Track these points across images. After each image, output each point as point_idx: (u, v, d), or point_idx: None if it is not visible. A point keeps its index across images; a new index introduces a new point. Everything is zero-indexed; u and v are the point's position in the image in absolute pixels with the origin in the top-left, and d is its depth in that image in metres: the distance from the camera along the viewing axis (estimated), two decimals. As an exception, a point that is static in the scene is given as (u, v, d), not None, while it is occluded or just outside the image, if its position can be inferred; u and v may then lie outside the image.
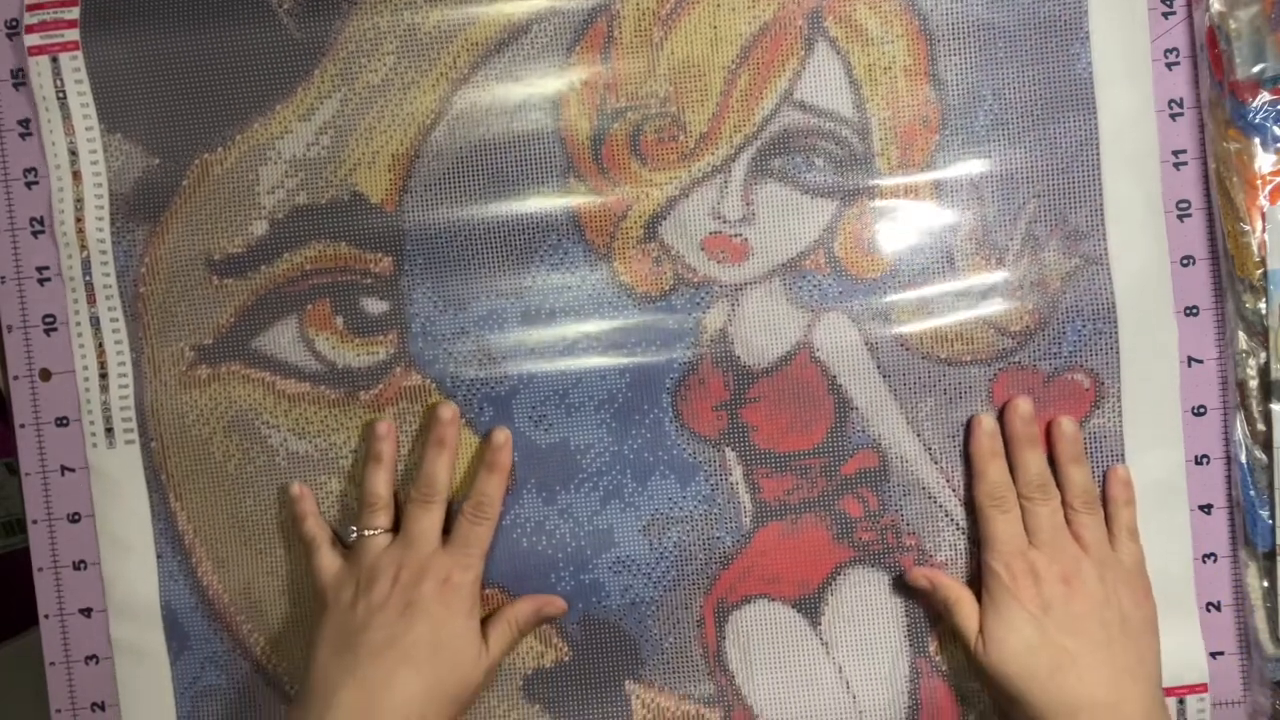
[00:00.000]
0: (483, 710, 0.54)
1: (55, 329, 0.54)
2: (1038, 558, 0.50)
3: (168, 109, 0.53)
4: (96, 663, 0.54)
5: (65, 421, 0.54)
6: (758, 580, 0.53)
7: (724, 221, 0.53)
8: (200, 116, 0.53)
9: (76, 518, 0.54)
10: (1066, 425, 0.51)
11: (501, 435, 0.52)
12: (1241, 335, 0.51)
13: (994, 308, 0.52)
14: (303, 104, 0.53)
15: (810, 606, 0.53)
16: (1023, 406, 0.51)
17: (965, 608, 0.50)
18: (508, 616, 0.52)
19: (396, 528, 0.52)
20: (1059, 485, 0.51)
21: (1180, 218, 0.52)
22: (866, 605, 0.53)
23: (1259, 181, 0.50)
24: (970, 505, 0.52)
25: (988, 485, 0.51)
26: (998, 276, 0.52)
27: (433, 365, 0.53)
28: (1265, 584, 0.52)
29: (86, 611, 0.54)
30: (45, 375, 0.54)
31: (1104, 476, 0.52)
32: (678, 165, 0.53)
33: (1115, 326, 0.52)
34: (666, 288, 0.53)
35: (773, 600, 0.53)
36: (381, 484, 0.52)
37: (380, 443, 0.52)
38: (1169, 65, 0.52)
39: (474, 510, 0.52)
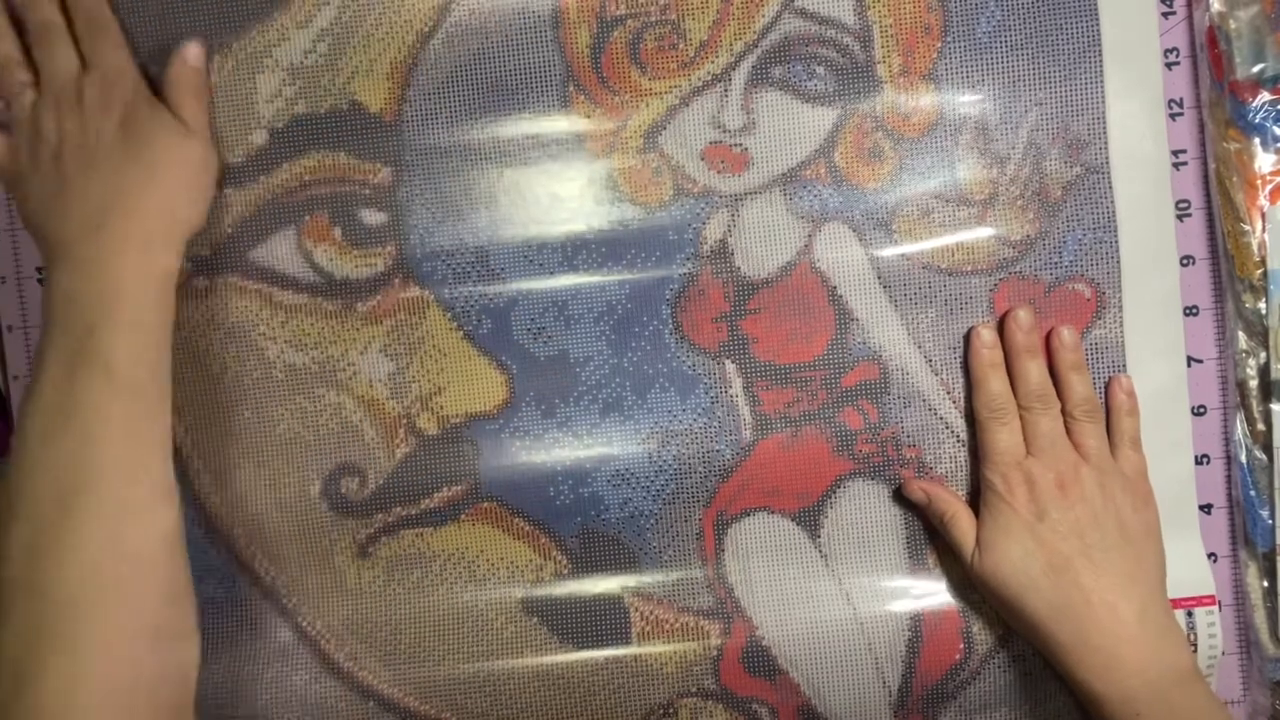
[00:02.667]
0: (479, 622, 0.53)
1: None
2: (1034, 466, 0.49)
3: (164, 16, 0.53)
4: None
5: None
6: (757, 493, 0.53)
7: (724, 131, 0.53)
8: (197, 23, 0.53)
9: None
10: (1066, 334, 0.51)
11: None
12: (1241, 335, 0.51)
13: (995, 217, 0.52)
14: (300, 10, 0.52)
15: (810, 519, 0.53)
16: (1023, 316, 0.51)
17: (962, 522, 0.50)
18: (171, 88, 0.50)
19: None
20: (1059, 394, 0.51)
21: (1180, 218, 0.52)
22: (866, 518, 0.53)
23: (1259, 181, 0.50)
24: (971, 417, 0.52)
25: (986, 396, 0.51)
26: (999, 185, 0.52)
27: (431, 277, 0.53)
28: (1265, 584, 0.52)
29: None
30: None
31: (1106, 386, 0.52)
32: (677, 74, 0.53)
33: (1116, 236, 0.52)
34: (666, 198, 0.53)
35: (772, 513, 0.53)
36: (5, 45, 0.50)
37: None
38: (1169, 65, 0.52)
39: (85, 26, 0.50)
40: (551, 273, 0.53)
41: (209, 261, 0.53)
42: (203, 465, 0.54)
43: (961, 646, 0.52)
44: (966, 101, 0.52)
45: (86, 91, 0.49)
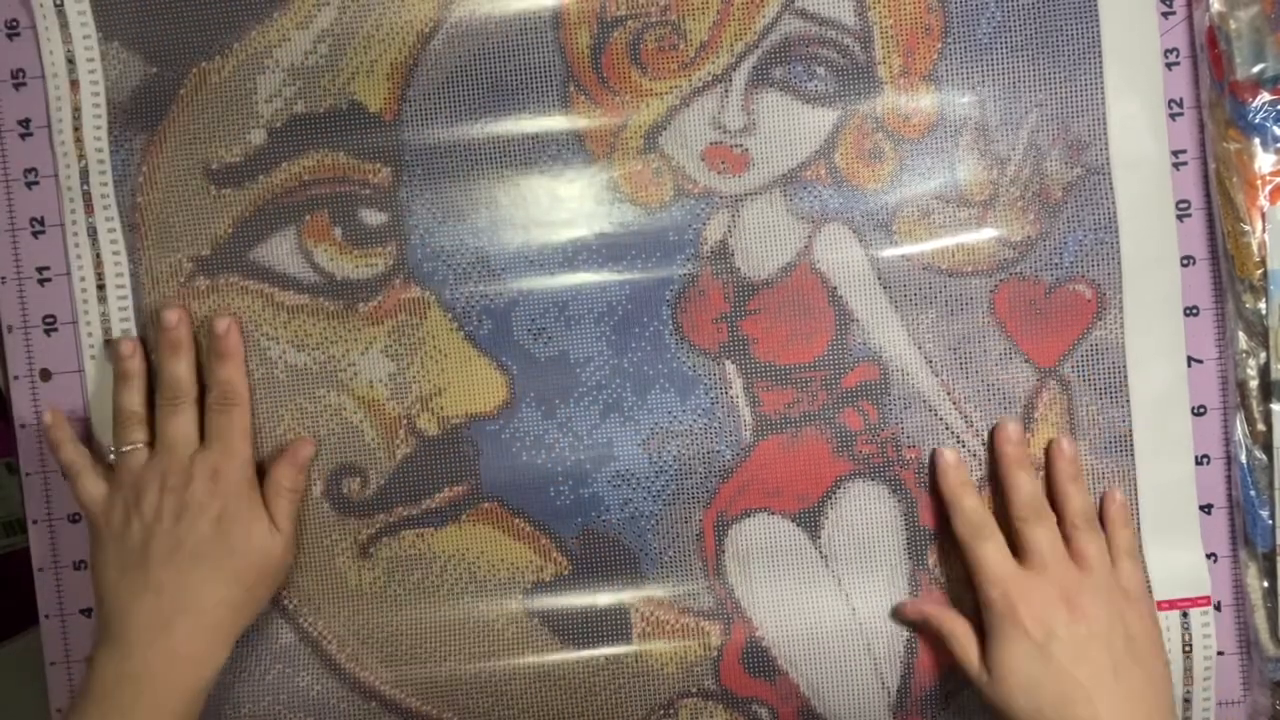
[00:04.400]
0: (480, 623, 0.53)
1: (55, 329, 0.54)
2: (1035, 582, 0.48)
3: (165, 16, 0.53)
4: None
5: None
6: (757, 494, 0.53)
7: (724, 131, 0.53)
8: (198, 24, 0.52)
9: (77, 518, 0.54)
10: (1066, 445, 0.51)
11: (223, 323, 0.52)
12: (1241, 335, 0.51)
13: (995, 218, 0.52)
14: (300, 11, 0.52)
15: (810, 520, 0.53)
16: (1011, 428, 0.51)
17: (962, 639, 0.49)
18: (274, 488, 0.51)
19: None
20: (1056, 506, 0.50)
21: (1180, 218, 0.52)
22: (866, 518, 0.53)
23: (1259, 181, 0.50)
24: (970, 418, 0.52)
25: (964, 515, 0.50)
26: (999, 186, 0.52)
27: (432, 277, 0.53)
28: (1265, 584, 0.52)
29: (87, 611, 0.54)
30: (45, 375, 0.54)
31: (1100, 499, 0.52)
32: (678, 74, 0.52)
33: (1117, 236, 0.52)
34: (666, 199, 0.53)
35: (772, 514, 0.53)
36: (132, 400, 0.52)
37: (126, 361, 0.52)
38: (1169, 65, 0.52)
39: (219, 400, 0.51)
40: (552, 273, 0.53)
41: (209, 261, 0.53)
42: (203, 466, 0.54)
43: (961, 647, 0.52)
44: (967, 102, 0.52)
45: (196, 474, 0.49)
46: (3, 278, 0.54)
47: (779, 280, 0.53)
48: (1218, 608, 0.53)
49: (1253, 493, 0.51)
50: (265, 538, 0.50)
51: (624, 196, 0.53)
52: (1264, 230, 0.50)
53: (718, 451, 0.53)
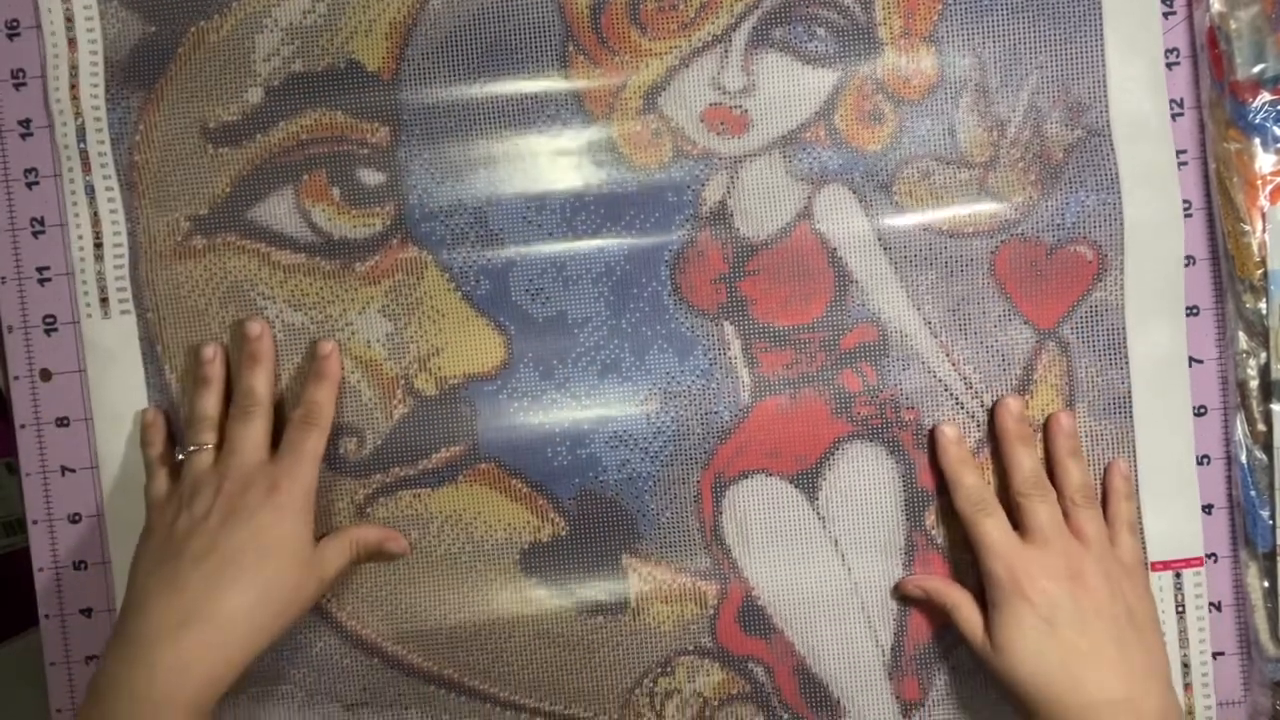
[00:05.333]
0: (478, 583, 0.53)
1: (55, 329, 0.54)
2: (1038, 556, 0.48)
3: (163, -26, 0.52)
4: (97, 663, 0.54)
5: (65, 421, 0.54)
6: (755, 455, 0.53)
7: (724, 92, 0.52)
8: (195, -19, 0.52)
9: (76, 518, 0.54)
10: (1065, 420, 0.51)
11: (327, 345, 0.52)
12: (1242, 335, 0.51)
13: (996, 179, 0.52)
14: (299, -33, 0.52)
15: (808, 481, 0.53)
16: (1013, 404, 0.51)
17: (966, 610, 0.50)
18: (351, 535, 0.51)
19: None
20: (1055, 481, 0.51)
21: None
22: (864, 480, 0.53)
23: (1259, 181, 0.50)
24: (969, 380, 0.52)
25: (965, 492, 0.51)
26: (1000, 148, 0.52)
27: (429, 238, 0.53)
28: (1265, 584, 0.52)
29: (87, 611, 0.54)
30: (45, 375, 0.54)
31: (1105, 470, 0.52)
32: (677, 34, 0.52)
33: (1118, 198, 0.52)
34: (665, 160, 0.53)
35: (770, 475, 0.53)
36: (209, 404, 0.51)
37: (207, 366, 0.52)
38: (1169, 65, 0.52)
39: (303, 418, 0.51)
40: (550, 234, 0.53)
41: (206, 220, 0.53)
42: (201, 425, 0.54)
43: (957, 608, 0.52)
44: (967, 64, 0.52)
45: (255, 482, 0.48)
46: (3, 278, 0.54)
47: (778, 241, 0.53)
48: (1218, 609, 0.53)
49: (1253, 493, 0.51)
50: (304, 568, 0.48)
51: (623, 157, 0.53)
52: (1264, 230, 0.50)
53: (716, 413, 0.53)
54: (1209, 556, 0.53)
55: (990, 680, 0.49)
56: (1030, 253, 0.52)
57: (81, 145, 0.53)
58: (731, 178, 0.52)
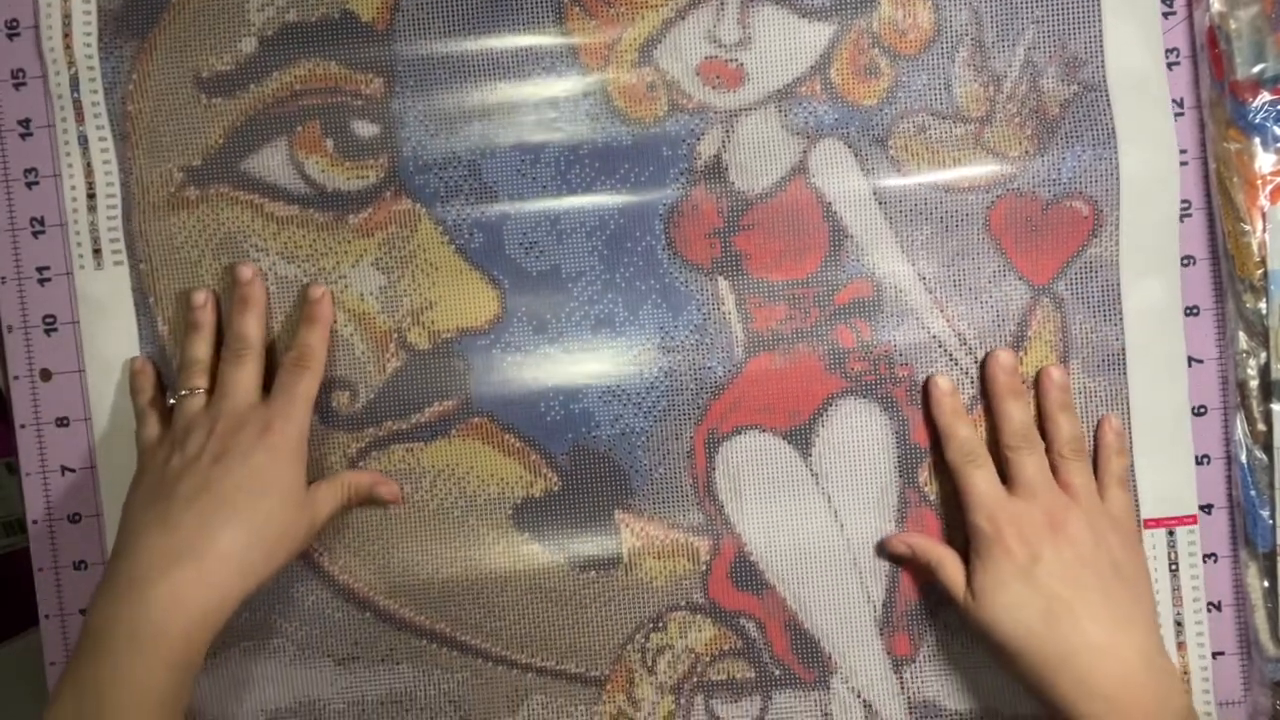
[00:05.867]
0: (470, 538, 0.53)
1: (55, 329, 0.54)
2: (1023, 507, 0.48)
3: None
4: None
5: (65, 421, 0.54)
6: (749, 410, 0.53)
7: (720, 45, 0.52)
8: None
9: (76, 518, 0.54)
10: (1056, 373, 0.51)
11: (318, 289, 0.52)
12: (1242, 335, 0.51)
13: (992, 134, 0.52)
14: (293, -84, 0.52)
15: (801, 437, 0.53)
16: (1004, 357, 0.51)
17: (949, 566, 0.50)
18: (343, 479, 0.51)
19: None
20: (1045, 434, 0.51)
21: (1180, 218, 0.52)
22: (857, 436, 0.53)
23: (1259, 181, 0.50)
24: (964, 336, 0.52)
25: (957, 443, 0.51)
26: (996, 103, 0.52)
27: (423, 190, 0.53)
28: (1265, 584, 0.52)
29: (86, 612, 0.54)
30: (45, 375, 0.54)
31: (1096, 425, 0.52)
32: (674, -14, 0.52)
33: (1115, 153, 0.51)
34: (660, 113, 0.52)
35: (764, 431, 0.53)
36: (200, 349, 0.51)
37: (198, 311, 0.52)
38: (1169, 65, 0.51)
39: (295, 361, 0.51)
40: (544, 187, 0.53)
41: (200, 171, 0.53)
42: (193, 377, 0.54)
43: (950, 564, 0.52)
44: (964, 18, 0.52)
45: (248, 422, 0.48)
46: (3, 278, 0.54)
47: (773, 196, 0.52)
48: (1218, 608, 0.53)
49: (1253, 493, 0.51)
50: (296, 509, 0.48)
51: (618, 111, 0.53)
52: (1264, 230, 0.50)
53: (709, 368, 0.53)
54: (1203, 508, 0.52)
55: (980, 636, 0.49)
56: (1026, 208, 0.52)
57: (75, 95, 0.53)
58: (727, 132, 0.52)
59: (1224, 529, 0.53)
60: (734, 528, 0.53)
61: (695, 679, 0.53)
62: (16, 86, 0.53)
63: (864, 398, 0.53)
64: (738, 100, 0.52)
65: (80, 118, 0.53)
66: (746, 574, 0.53)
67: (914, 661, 0.52)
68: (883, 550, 0.52)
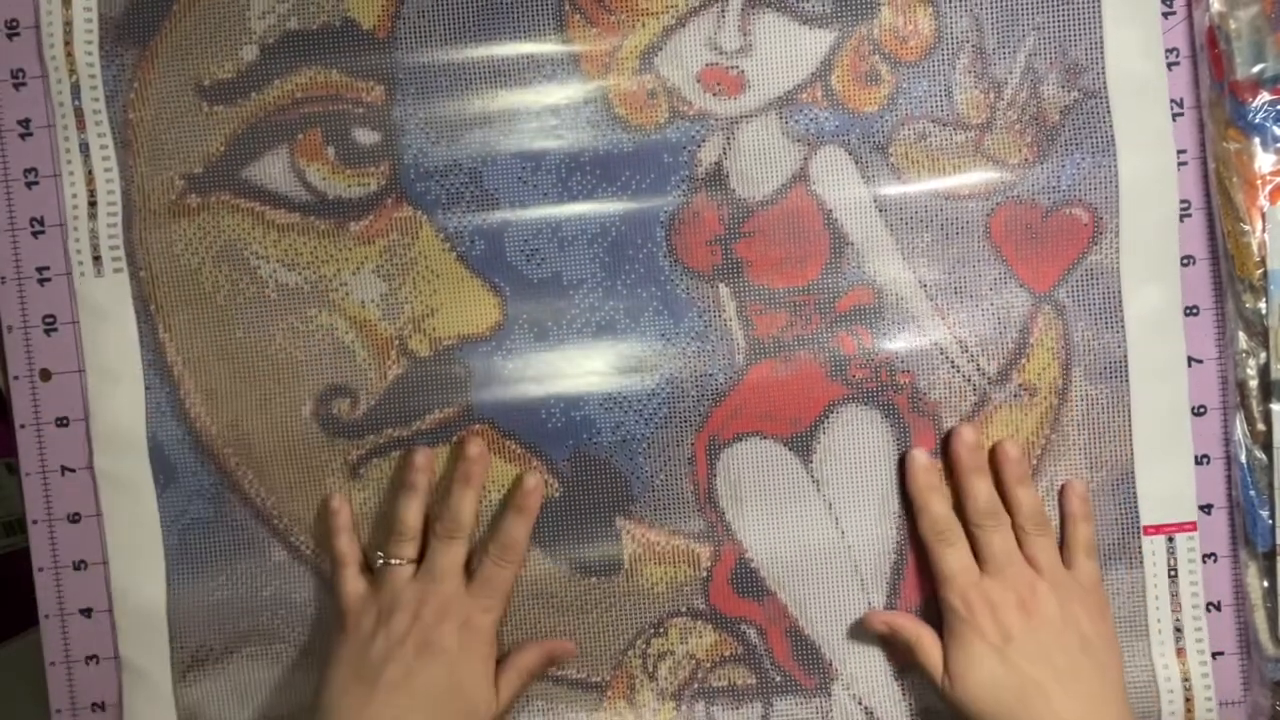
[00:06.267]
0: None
1: (55, 329, 0.54)
2: (992, 586, 0.49)
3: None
4: (97, 663, 0.54)
5: (65, 421, 0.54)
6: (750, 417, 0.53)
7: (720, 53, 0.52)
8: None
9: (76, 518, 0.54)
10: (1010, 448, 0.51)
11: (533, 479, 0.52)
12: (1241, 335, 0.51)
13: (992, 141, 0.52)
14: (294, -76, 0.52)
15: (802, 444, 0.53)
16: (967, 434, 0.51)
17: (926, 645, 0.50)
18: (517, 665, 0.51)
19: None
20: (1008, 509, 0.51)
21: (1180, 218, 0.52)
22: (858, 443, 0.53)
23: (1259, 181, 0.50)
24: (965, 344, 0.52)
25: (930, 519, 0.51)
26: (996, 110, 0.52)
27: (424, 197, 0.53)
28: (1265, 584, 0.52)
29: (86, 611, 0.54)
30: (45, 375, 0.54)
31: (1060, 492, 0.52)
32: (674, -7, 0.52)
33: (1115, 160, 0.51)
34: (661, 120, 0.53)
35: (765, 438, 0.53)
36: (413, 514, 0.51)
37: (416, 474, 0.52)
38: (1169, 65, 0.51)
39: (499, 553, 0.51)
40: (545, 195, 0.53)
41: (201, 179, 0.53)
42: (194, 385, 0.54)
43: (950, 571, 0.52)
44: (964, 25, 0.52)
45: (450, 615, 0.49)
46: (2, 278, 0.54)
47: (774, 203, 0.52)
48: (1218, 608, 0.53)
49: (1253, 493, 0.51)
50: (487, 702, 0.49)
51: (618, 118, 0.53)
52: (1264, 230, 0.50)
53: (710, 375, 0.53)
54: (1203, 509, 0.52)
55: None
56: (1026, 215, 0.52)
57: (76, 103, 0.53)
58: (727, 139, 0.52)
59: (1224, 529, 0.53)
60: (735, 534, 0.53)
61: (696, 685, 0.53)
62: (16, 86, 0.53)
63: (865, 405, 0.53)
64: (738, 107, 0.52)
65: (81, 125, 0.53)
66: (747, 580, 0.53)
67: (914, 669, 0.52)
68: (864, 626, 0.52)
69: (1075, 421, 0.52)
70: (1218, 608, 0.53)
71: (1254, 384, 0.51)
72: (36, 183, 0.53)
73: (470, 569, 0.51)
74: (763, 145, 0.52)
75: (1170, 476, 0.52)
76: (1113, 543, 0.52)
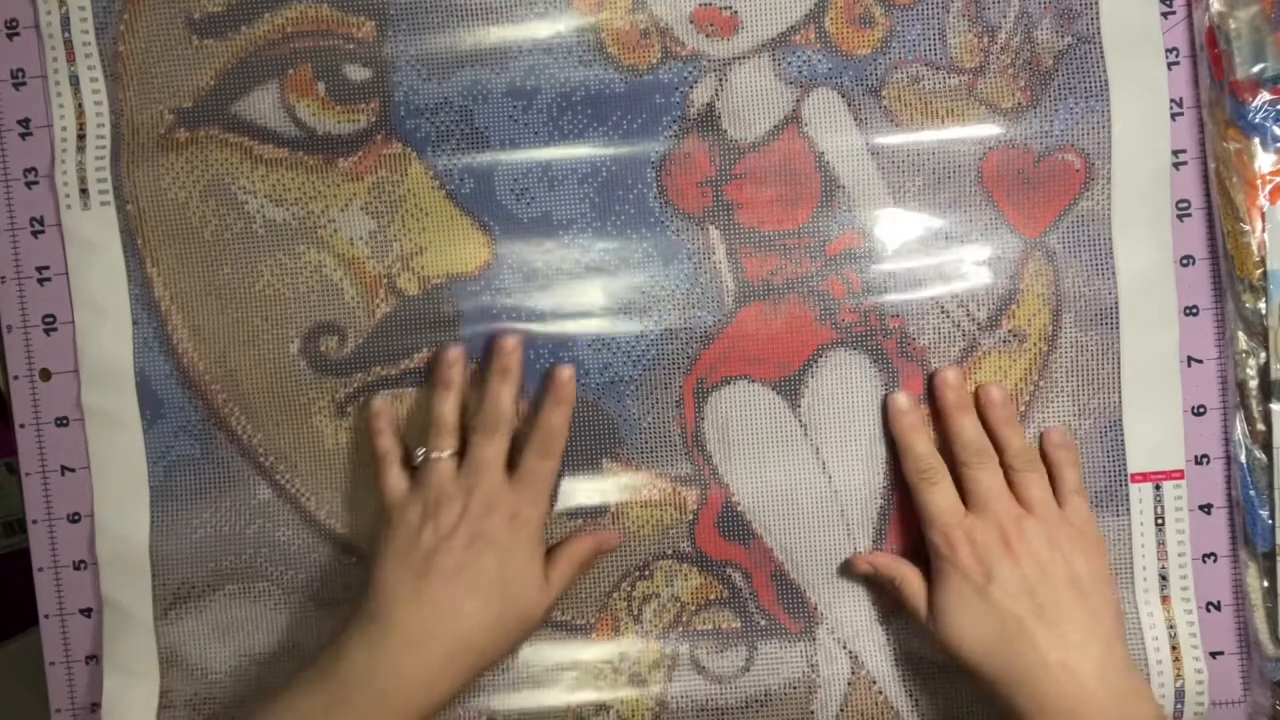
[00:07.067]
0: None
1: (55, 329, 0.54)
2: (976, 524, 0.48)
3: None
4: (96, 663, 0.54)
5: (65, 421, 0.54)
6: (738, 361, 0.53)
7: (714, -7, 0.52)
8: None
9: (76, 518, 0.54)
10: (994, 391, 0.51)
11: (566, 370, 0.52)
12: (1241, 335, 0.51)
13: (985, 85, 0.51)
14: None
15: (790, 388, 0.53)
16: (950, 375, 0.51)
17: (911, 584, 0.50)
18: (569, 554, 0.51)
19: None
20: (996, 449, 0.50)
21: (1180, 218, 0.52)
22: (847, 388, 0.52)
23: (1259, 181, 0.50)
24: (955, 289, 0.52)
25: (914, 458, 0.50)
26: (990, 54, 0.51)
27: (414, 134, 0.53)
28: (1265, 584, 0.52)
29: (86, 612, 0.54)
30: (45, 375, 0.54)
31: (1040, 439, 0.51)
32: (668, -68, 0.52)
33: (1107, 105, 0.51)
34: (654, 61, 0.52)
35: (753, 381, 0.53)
36: (449, 408, 0.51)
37: (450, 369, 0.51)
38: (1169, 65, 0.51)
39: (541, 445, 0.50)
40: (536, 133, 0.52)
41: (190, 113, 0.53)
42: (181, 320, 0.53)
43: (937, 517, 0.52)
44: (960, -31, 0.51)
45: (499, 506, 0.49)
46: (2, 278, 0.54)
47: (766, 145, 0.52)
48: (1218, 608, 0.53)
49: (1253, 493, 0.51)
50: (538, 591, 0.49)
51: (611, 57, 0.52)
52: (1264, 230, 0.50)
53: (699, 317, 0.53)
54: (1203, 508, 0.52)
55: None
56: (1018, 160, 0.52)
57: (66, 35, 0.53)
58: (720, 80, 0.52)
59: (1223, 529, 0.52)
60: (722, 478, 0.53)
61: (681, 628, 0.53)
62: (17, 86, 0.53)
63: (854, 349, 0.52)
64: (731, 48, 0.52)
65: (71, 57, 0.53)
66: (733, 524, 0.53)
67: (899, 613, 0.52)
68: (848, 569, 0.52)
69: (1064, 368, 0.52)
70: (1217, 607, 0.53)
71: (1254, 384, 0.51)
72: (36, 182, 0.53)
73: (511, 466, 0.51)
74: (755, 87, 0.52)
75: (1159, 424, 0.52)
76: (1100, 490, 0.52)
